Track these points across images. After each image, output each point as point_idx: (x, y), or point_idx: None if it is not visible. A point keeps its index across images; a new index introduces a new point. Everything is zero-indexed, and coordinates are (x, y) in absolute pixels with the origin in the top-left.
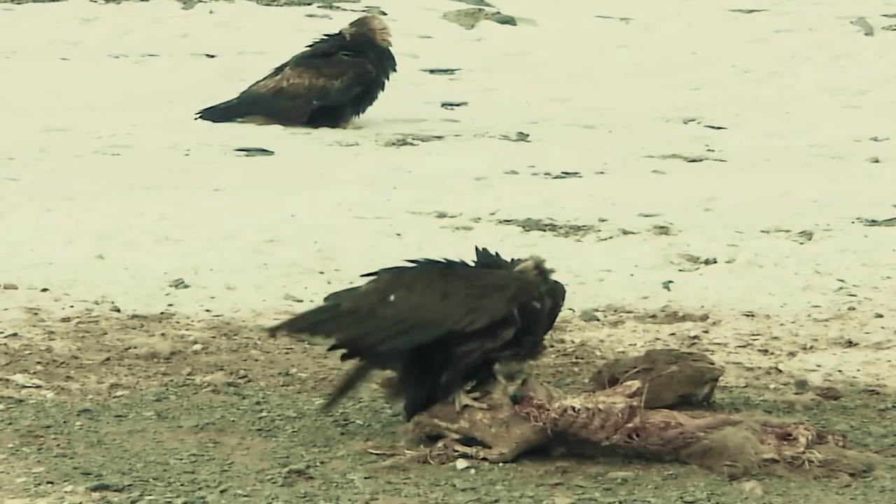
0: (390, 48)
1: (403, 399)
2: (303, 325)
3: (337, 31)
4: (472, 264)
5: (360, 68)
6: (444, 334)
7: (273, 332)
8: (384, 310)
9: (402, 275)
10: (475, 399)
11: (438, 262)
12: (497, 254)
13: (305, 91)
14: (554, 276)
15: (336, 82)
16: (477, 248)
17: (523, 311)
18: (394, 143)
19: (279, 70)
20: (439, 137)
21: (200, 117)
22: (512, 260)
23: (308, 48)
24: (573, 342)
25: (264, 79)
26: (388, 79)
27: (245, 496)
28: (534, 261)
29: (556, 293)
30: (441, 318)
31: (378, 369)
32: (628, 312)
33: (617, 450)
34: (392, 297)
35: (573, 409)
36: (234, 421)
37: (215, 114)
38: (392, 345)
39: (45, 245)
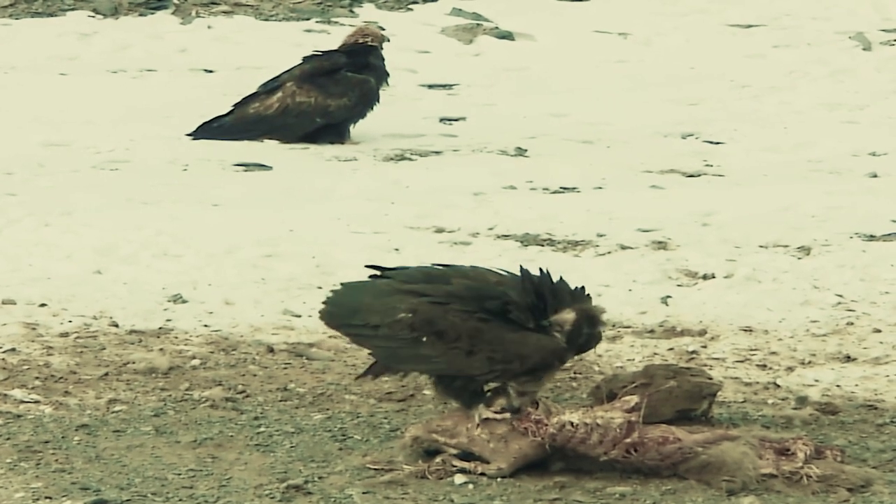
0: (381, 48)
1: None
2: (349, 332)
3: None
4: (525, 289)
5: (365, 86)
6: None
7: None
8: (415, 347)
9: (436, 319)
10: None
11: (482, 304)
12: (561, 279)
13: (310, 109)
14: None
15: (342, 101)
16: (534, 273)
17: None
18: (392, 159)
19: (273, 87)
20: (437, 152)
21: (193, 137)
22: (575, 289)
23: (304, 62)
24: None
25: (257, 96)
26: (387, 84)
27: None
28: (579, 311)
29: (594, 323)
30: (463, 370)
31: None
32: (626, 327)
33: (615, 465)
34: (424, 339)
35: (571, 424)
36: (232, 436)
37: (209, 131)
38: (417, 371)
39: (43, 260)
